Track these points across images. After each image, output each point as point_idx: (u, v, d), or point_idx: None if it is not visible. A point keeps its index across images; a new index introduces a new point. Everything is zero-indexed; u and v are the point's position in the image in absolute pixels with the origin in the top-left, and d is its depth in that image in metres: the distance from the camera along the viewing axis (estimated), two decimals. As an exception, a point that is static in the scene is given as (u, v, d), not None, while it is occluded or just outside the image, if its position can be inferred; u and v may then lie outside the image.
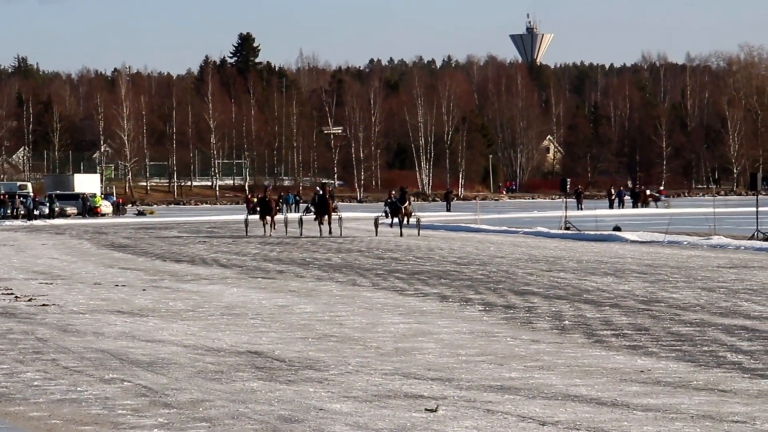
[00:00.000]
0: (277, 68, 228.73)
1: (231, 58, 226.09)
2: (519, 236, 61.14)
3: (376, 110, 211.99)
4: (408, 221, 75.04)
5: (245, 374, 20.14)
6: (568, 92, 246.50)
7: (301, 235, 73.72)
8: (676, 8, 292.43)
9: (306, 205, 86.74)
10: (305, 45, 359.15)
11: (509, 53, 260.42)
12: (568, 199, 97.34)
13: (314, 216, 77.21)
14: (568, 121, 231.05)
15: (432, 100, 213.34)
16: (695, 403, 16.82)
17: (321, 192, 78.48)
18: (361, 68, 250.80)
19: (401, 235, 71.22)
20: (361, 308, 30.88)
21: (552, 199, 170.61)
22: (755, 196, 68.54)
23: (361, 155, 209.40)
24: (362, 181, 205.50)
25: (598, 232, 68.17)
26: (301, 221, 76.34)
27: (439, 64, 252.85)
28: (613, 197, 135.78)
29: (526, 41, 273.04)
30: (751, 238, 57.77)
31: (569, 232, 72.26)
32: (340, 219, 75.23)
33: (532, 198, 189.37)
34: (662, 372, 19.64)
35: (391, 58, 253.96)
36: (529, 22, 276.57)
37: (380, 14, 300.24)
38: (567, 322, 27.01)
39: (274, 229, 76.37)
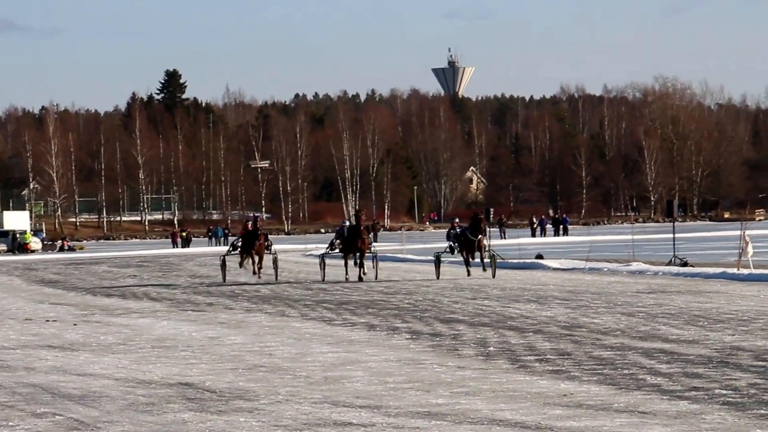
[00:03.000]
0: (203, 104, 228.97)
1: (158, 94, 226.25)
2: (444, 266, 61.04)
3: (303, 144, 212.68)
4: (483, 257, 56.33)
5: (176, 405, 20.07)
6: (489, 124, 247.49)
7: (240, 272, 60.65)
8: (593, 41, 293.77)
9: (330, 240, 61.12)
10: (231, 81, 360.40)
11: (432, 87, 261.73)
12: (491, 229, 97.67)
13: (342, 254, 57.38)
14: (490, 153, 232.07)
15: (357, 134, 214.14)
16: (616, 425, 16.88)
17: (353, 221, 58.53)
18: (287, 103, 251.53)
19: (469, 274, 55.49)
20: (290, 338, 30.88)
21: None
22: (672, 223, 69.06)
23: (288, 188, 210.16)
24: (290, 214, 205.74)
25: (521, 260, 68.43)
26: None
27: (363, 98, 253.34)
28: (535, 226, 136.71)
29: (448, 75, 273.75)
30: (669, 263, 58.07)
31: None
32: (375, 258, 57.55)
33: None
34: (584, 395, 19.70)
35: (316, 93, 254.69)
36: (451, 56, 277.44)
37: (305, 49, 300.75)
38: (492, 348, 27.07)
39: (260, 271, 58.51)
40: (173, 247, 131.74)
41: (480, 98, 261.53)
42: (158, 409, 19.78)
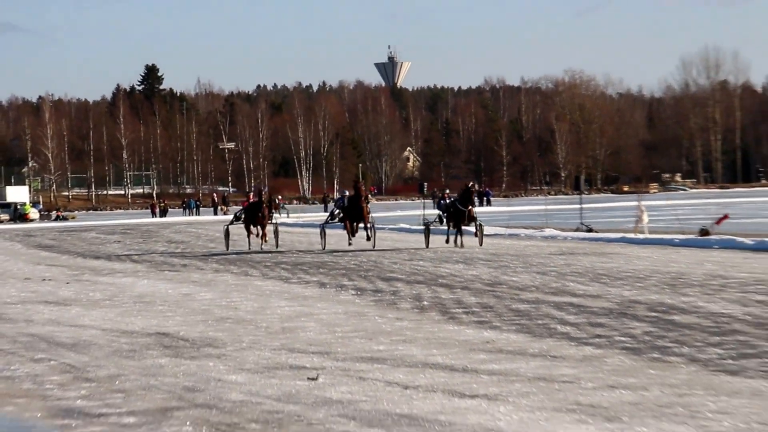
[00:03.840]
0: (178, 93, 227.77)
1: (139, 85, 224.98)
2: (385, 232, 60.83)
3: (263, 128, 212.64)
4: (480, 228, 50.09)
5: (155, 352, 19.99)
6: (424, 111, 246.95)
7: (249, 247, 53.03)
8: (513, 39, 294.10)
9: (331, 210, 56.08)
10: (202, 73, 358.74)
11: (374, 79, 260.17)
12: (425, 200, 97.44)
13: (343, 224, 51.96)
14: (424, 135, 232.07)
15: (310, 119, 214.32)
16: (531, 367, 16.87)
17: (354, 192, 51.26)
18: (249, 93, 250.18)
19: (461, 245, 48.73)
20: (253, 295, 30.78)
21: (412, 200, 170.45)
22: (579, 195, 69.13)
23: (251, 166, 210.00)
24: (252, 188, 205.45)
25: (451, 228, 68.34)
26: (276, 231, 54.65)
27: (315, 88, 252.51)
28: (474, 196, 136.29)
29: (388, 68, 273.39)
30: (576, 230, 58.16)
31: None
32: (373, 227, 50.96)
33: (395, 200, 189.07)
34: (504, 342, 19.69)
35: (275, 84, 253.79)
36: (390, 52, 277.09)
37: (266, 46, 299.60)
38: (425, 302, 27.01)
39: (266, 241, 52.61)
40: (152, 217, 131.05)
41: (415, 89, 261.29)
42: (139, 355, 19.70)
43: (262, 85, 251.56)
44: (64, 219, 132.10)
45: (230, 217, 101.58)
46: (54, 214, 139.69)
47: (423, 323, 22.96)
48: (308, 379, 16.42)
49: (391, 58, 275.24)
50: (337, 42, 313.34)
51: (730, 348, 18.15)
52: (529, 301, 26.58)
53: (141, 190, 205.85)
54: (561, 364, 17.09)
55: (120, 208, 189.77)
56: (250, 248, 52.28)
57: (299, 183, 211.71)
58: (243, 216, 54.19)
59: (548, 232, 57.62)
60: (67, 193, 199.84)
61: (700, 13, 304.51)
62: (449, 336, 20.79)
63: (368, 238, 50.28)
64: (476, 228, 49.80)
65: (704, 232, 48.98)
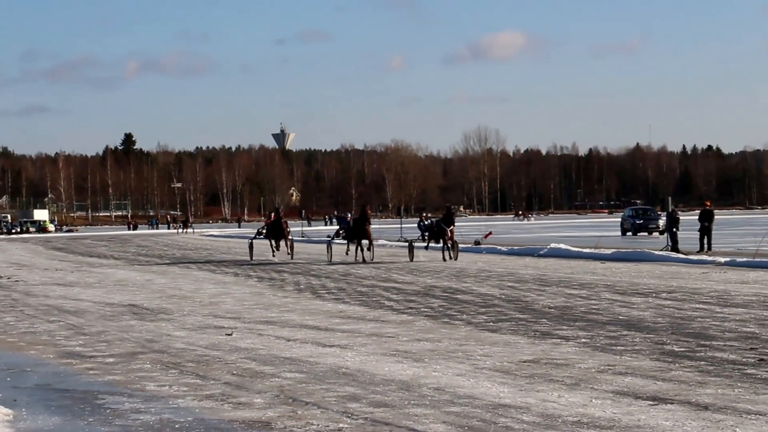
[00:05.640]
0: (146, 152, 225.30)
1: (120, 146, 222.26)
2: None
3: (200, 174, 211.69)
4: (452, 246, 38.89)
5: (127, 317, 19.76)
6: (303, 164, 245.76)
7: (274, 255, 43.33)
8: (359, 116, 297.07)
9: (337, 229, 46.12)
10: (161, 137, 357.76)
11: (271, 143, 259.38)
12: (303, 221, 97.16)
13: (346, 242, 42.00)
14: (302, 180, 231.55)
15: (230, 169, 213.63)
16: (368, 327, 16.88)
17: (360, 214, 40.47)
18: (191, 151, 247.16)
19: (444, 259, 38.19)
20: (191, 280, 30.53)
21: (293, 221, 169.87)
22: (400, 219, 69.39)
23: (192, 198, 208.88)
24: (192, 213, 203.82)
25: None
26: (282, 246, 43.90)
27: (234, 148, 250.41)
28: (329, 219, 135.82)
29: (280, 137, 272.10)
30: (398, 240, 58.11)
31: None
32: (371, 244, 39.94)
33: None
34: (352, 311, 19.70)
35: (207, 145, 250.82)
36: (282, 126, 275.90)
37: (203, 118, 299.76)
38: (302, 286, 26.98)
39: (288, 253, 42.61)
40: (128, 230, 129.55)
41: (298, 150, 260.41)
42: (117, 318, 19.46)
43: (199, 146, 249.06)
44: (71, 231, 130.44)
45: (184, 230, 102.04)
46: (64, 227, 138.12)
47: (300, 299, 22.90)
48: (226, 334, 16.32)
49: (282, 130, 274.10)
50: (249, 118, 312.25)
51: (492, 315, 18.32)
52: (368, 285, 26.62)
53: (121, 213, 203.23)
54: (387, 326, 17.13)
55: (107, 224, 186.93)
56: (274, 256, 42.68)
57: (222, 210, 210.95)
58: (266, 232, 44.93)
59: (381, 242, 57.60)
60: (73, 214, 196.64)
61: (475, 105, 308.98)
62: (317, 307, 20.76)
63: (369, 256, 39.49)
64: (451, 244, 39.00)
65: (477, 242, 49.69)
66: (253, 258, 42.56)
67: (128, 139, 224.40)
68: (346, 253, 41.05)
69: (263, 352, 14.05)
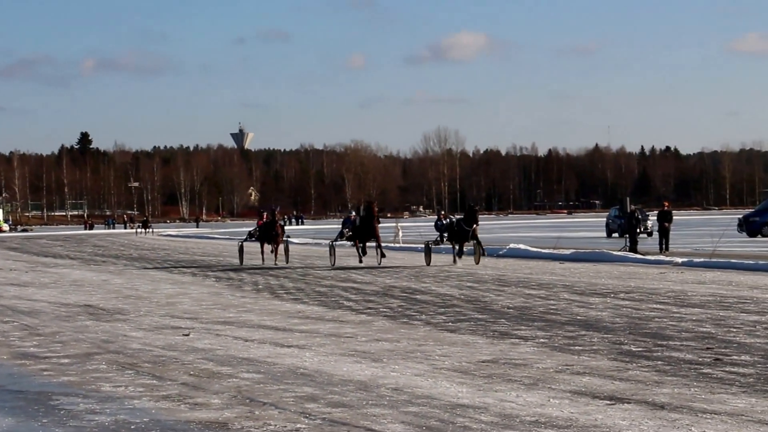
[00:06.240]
0: (102, 150, 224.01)
1: (76, 145, 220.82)
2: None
3: (157, 174, 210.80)
4: (479, 247, 34.97)
5: (83, 317, 19.64)
6: (262, 164, 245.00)
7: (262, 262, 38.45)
8: (318, 117, 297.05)
9: (340, 230, 38.99)
10: (117, 137, 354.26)
11: (230, 143, 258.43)
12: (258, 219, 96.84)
13: (351, 242, 37.75)
14: (261, 180, 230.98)
15: (188, 169, 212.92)
16: (327, 327, 16.86)
17: (365, 212, 36.48)
18: (149, 150, 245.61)
19: (455, 261, 35.00)
20: (148, 281, 30.41)
21: (252, 220, 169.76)
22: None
23: (149, 198, 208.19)
24: (149, 212, 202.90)
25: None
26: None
27: (192, 148, 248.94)
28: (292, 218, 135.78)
29: (239, 137, 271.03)
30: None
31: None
32: (380, 245, 36.01)
33: (243, 220, 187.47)
34: (310, 311, 19.68)
35: (165, 145, 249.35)
36: (240, 126, 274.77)
37: (161, 117, 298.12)
38: (260, 286, 26.94)
39: (277, 258, 38.17)
40: (84, 230, 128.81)
41: (257, 150, 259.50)
42: (73, 318, 19.34)
43: (157, 146, 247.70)
44: (26, 231, 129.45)
45: (144, 231, 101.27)
46: (19, 227, 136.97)
47: (258, 299, 22.86)
48: (183, 335, 16.25)
49: (241, 130, 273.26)
50: (207, 118, 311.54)
51: (451, 315, 18.36)
52: (327, 285, 26.62)
53: (77, 213, 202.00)
54: (345, 326, 17.12)
55: (63, 224, 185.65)
56: (263, 263, 37.86)
57: (180, 210, 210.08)
58: (258, 234, 39.95)
59: (340, 242, 57.50)
60: (28, 214, 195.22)
61: (435, 106, 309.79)
62: (275, 307, 20.73)
63: (380, 258, 35.37)
64: (475, 247, 34.87)
65: (437, 242, 49.44)
66: (243, 263, 38.18)
67: (84, 139, 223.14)
68: (360, 261, 36.01)
69: (221, 353, 13.99)
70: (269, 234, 38.89)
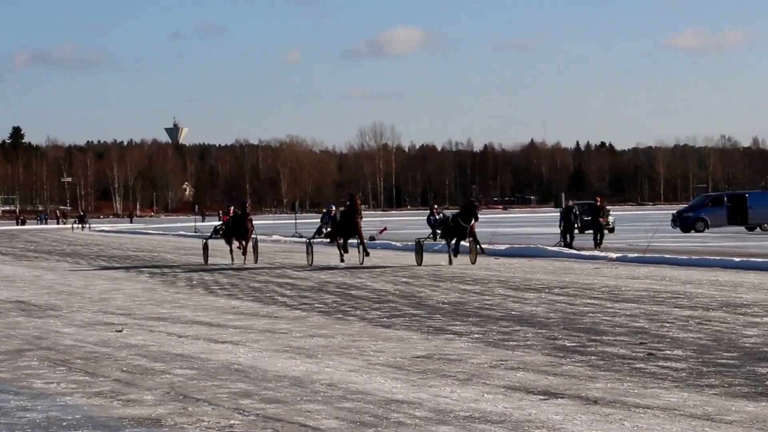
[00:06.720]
0: (35, 145, 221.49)
1: (8, 140, 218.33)
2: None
3: (90, 169, 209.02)
4: (476, 245, 31.35)
5: (14, 313, 19.44)
6: (197, 159, 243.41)
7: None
8: (254, 111, 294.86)
9: (319, 226, 36.64)
10: (51, 131, 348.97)
11: (164, 138, 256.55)
12: (197, 215, 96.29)
13: (329, 239, 34.51)
14: (196, 175, 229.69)
15: (122, 164, 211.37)
16: (261, 323, 16.83)
17: (349, 205, 32.80)
18: (82, 145, 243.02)
19: (450, 262, 31.36)
20: (81, 277, 30.16)
21: (187, 216, 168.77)
22: (294, 214, 69.40)
23: (82, 193, 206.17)
24: (83, 207, 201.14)
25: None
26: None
27: (126, 143, 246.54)
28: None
29: (173, 131, 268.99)
30: (293, 236, 58.04)
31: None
32: (362, 241, 32.87)
33: (177, 215, 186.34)
34: (245, 307, 19.63)
35: (99, 139, 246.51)
36: (175, 121, 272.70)
37: (93, 111, 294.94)
38: (194, 282, 26.82)
39: (245, 256, 34.74)
40: (16, 225, 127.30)
41: (191, 144, 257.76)
42: (4, 315, 19.13)
43: (90, 140, 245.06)
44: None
45: (81, 226, 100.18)
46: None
47: (192, 295, 22.77)
48: (116, 331, 16.14)
49: (175, 125, 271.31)
50: (142, 113, 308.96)
51: (386, 311, 18.40)
52: (261, 281, 26.56)
53: (8, 208, 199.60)
54: (280, 322, 17.10)
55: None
56: (233, 263, 34.36)
57: (114, 205, 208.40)
58: (223, 230, 36.22)
59: (275, 237, 57.49)
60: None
61: (371, 101, 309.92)
62: (209, 303, 20.66)
63: (363, 257, 32.62)
64: (472, 244, 31.39)
65: (372, 238, 49.46)
66: (208, 262, 34.97)
67: (17, 133, 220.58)
68: (342, 260, 32.90)
69: (154, 349, 13.92)
70: (238, 229, 35.19)
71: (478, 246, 31.50)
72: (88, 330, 16.45)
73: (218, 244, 38.61)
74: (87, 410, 9.67)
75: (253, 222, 36.01)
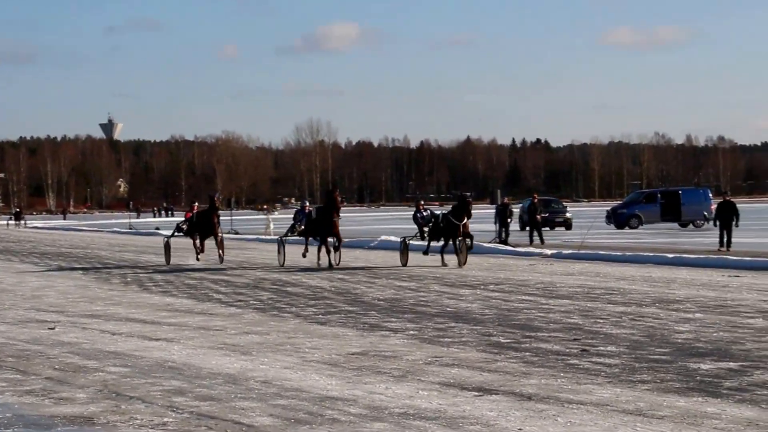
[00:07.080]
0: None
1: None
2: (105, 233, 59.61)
3: (24, 165, 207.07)
4: (467, 244, 28.63)
5: (-57, 311, 19.20)
6: (131, 155, 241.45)
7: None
8: (188, 106, 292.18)
9: (292, 224, 32.59)
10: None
11: (99, 134, 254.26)
12: (131, 212, 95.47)
13: (302, 237, 31.88)
14: (131, 171, 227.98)
15: (55, 159, 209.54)
16: (196, 320, 16.75)
17: (327, 202, 29.82)
18: (14, 141, 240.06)
19: (445, 263, 29.03)
20: (13, 273, 29.83)
21: (121, 212, 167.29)
22: (230, 211, 68.98)
23: (15, 189, 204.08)
24: (15, 203, 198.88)
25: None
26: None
27: (59, 139, 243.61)
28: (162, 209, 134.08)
29: (108, 127, 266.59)
30: (228, 232, 57.87)
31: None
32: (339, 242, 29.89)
33: (111, 212, 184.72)
34: (179, 304, 19.53)
35: (31, 135, 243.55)
36: (110, 117, 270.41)
37: (26, 105, 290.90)
38: (129, 279, 26.63)
39: (221, 254, 32.22)
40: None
41: (126, 140, 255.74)
42: (-68, 313, 18.88)
43: (23, 136, 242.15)
44: None
45: (17, 224, 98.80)
46: None
47: (126, 292, 22.62)
48: (48, 328, 15.98)
49: (110, 120, 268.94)
50: (75, 108, 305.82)
51: (321, 308, 18.40)
52: (196, 278, 26.45)
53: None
54: (215, 319, 17.03)
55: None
56: (199, 260, 32.20)
57: (47, 201, 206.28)
58: (187, 227, 33.19)
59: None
60: None
61: (308, 97, 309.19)
62: (144, 300, 20.53)
63: (336, 260, 29.51)
64: (461, 244, 28.49)
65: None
66: (170, 262, 32.44)
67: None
68: (303, 255, 31.48)
69: (87, 346, 13.81)
70: (205, 226, 32.32)
71: (469, 244, 28.80)
72: (19, 328, 16.28)
73: (179, 242, 36.99)
74: (18, 408, 9.57)
75: (219, 218, 33.09)
